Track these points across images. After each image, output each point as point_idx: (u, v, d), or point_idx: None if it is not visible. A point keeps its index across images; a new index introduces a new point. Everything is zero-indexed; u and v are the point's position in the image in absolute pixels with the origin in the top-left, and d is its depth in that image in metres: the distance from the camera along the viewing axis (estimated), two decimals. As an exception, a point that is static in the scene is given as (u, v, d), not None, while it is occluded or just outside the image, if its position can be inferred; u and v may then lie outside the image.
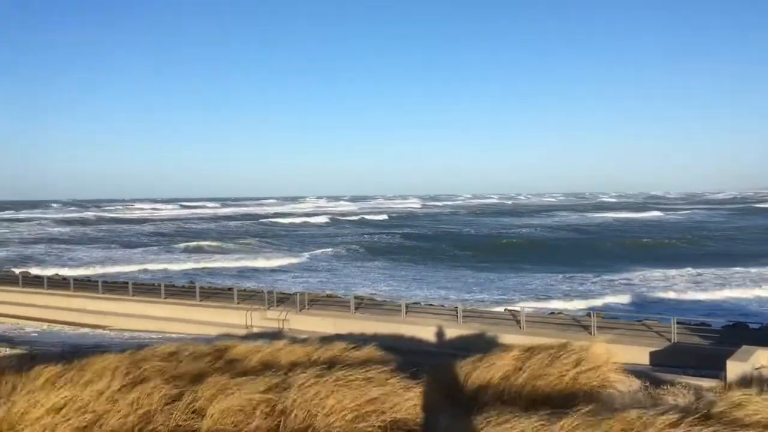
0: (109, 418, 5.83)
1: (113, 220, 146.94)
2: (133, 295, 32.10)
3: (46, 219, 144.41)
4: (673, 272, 48.41)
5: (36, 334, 28.56)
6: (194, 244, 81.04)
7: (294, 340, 15.63)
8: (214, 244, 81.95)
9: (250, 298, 30.64)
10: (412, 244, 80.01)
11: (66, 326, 31.19)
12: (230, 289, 32.45)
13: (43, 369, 8.25)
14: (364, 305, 28.74)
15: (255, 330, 26.74)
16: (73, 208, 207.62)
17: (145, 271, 55.44)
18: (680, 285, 43.25)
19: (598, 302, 36.42)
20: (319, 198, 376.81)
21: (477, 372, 8.99)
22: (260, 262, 60.83)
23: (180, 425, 6.16)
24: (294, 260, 62.76)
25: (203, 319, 28.87)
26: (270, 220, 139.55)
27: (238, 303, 29.34)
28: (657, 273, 48.59)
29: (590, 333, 21.74)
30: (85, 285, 35.96)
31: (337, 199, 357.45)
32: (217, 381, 6.85)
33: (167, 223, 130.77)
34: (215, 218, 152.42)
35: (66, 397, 6.79)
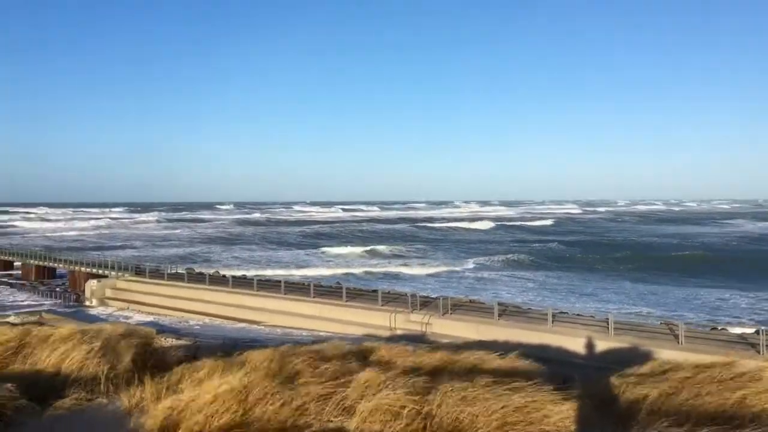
0: (265, 409, 6.13)
1: (278, 222, 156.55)
2: (285, 294, 33.79)
3: (222, 220, 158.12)
4: None
5: (198, 327, 30.87)
6: (369, 248, 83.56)
7: (437, 344, 15.67)
8: (382, 247, 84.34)
9: (393, 300, 31.14)
10: (573, 252, 77.41)
11: (225, 320, 33.46)
12: (375, 291, 33.20)
13: (206, 361, 8.87)
14: (508, 312, 28.19)
15: (398, 332, 27.13)
16: (245, 210, 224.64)
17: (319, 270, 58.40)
18: None
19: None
20: (466, 202, 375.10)
21: (632, 387, 8.47)
22: (429, 268, 61.81)
23: (331, 420, 6.36)
24: (456, 267, 62.99)
25: (348, 318, 29.74)
26: (438, 225, 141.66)
27: (382, 305, 29.92)
28: None
29: (758, 352, 19.83)
30: (242, 282, 38.35)
31: (485, 203, 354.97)
32: (365, 380, 7.00)
33: (335, 226, 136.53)
34: (377, 221, 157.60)
35: (226, 388, 7.24)
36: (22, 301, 43.42)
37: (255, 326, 31.52)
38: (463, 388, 7.03)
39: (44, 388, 8.52)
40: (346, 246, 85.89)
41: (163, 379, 8.60)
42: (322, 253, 78.13)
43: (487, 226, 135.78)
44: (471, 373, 8.69)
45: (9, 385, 7.72)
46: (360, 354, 10.18)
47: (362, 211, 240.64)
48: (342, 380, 7.56)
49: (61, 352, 9.54)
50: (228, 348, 14.20)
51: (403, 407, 6.47)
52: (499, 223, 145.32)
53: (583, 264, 66.40)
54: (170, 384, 8.25)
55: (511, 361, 10.76)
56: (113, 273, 43.93)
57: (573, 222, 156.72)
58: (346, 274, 57.34)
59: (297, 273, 57.34)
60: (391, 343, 11.87)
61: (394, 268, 61.23)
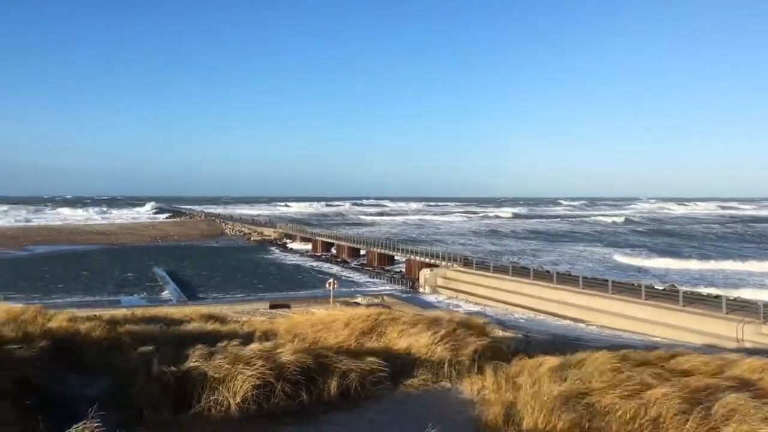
0: (609, 418, 5.73)
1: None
2: (612, 293, 32.19)
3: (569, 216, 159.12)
4: None
5: (523, 321, 31.15)
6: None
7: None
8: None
9: (741, 308, 27.49)
10: None
11: (548, 316, 33.22)
12: (717, 296, 29.72)
13: (546, 358, 8.75)
14: None
15: (746, 345, 23.82)
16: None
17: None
18: None
19: None
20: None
21: None
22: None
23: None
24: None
25: (684, 325, 27.08)
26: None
27: (726, 313, 26.61)
28: None
29: None
30: (566, 279, 37.65)
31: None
32: (734, 401, 6.11)
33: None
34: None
35: (566, 389, 7.00)
36: (366, 284, 49.06)
37: (580, 324, 30.67)
38: None
39: (395, 365, 9.29)
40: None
41: (501, 370, 8.71)
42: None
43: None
44: None
45: (371, 358, 8.57)
46: (717, 365, 9.00)
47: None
48: (698, 394, 6.73)
49: (409, 334, 10.32)
50: (558, 345, 13.92)
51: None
52: None
53: None
54: (509, 376, 8.31)
55: None
56: (443, 263, 46.89)
57: None
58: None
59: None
60: (746, 357, 10.28)
61: None
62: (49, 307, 15.35)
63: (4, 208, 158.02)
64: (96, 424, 4.92)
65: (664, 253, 71.79)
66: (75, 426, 4.85)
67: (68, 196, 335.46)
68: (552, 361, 8.79)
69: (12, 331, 10.83)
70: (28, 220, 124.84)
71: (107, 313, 20.82)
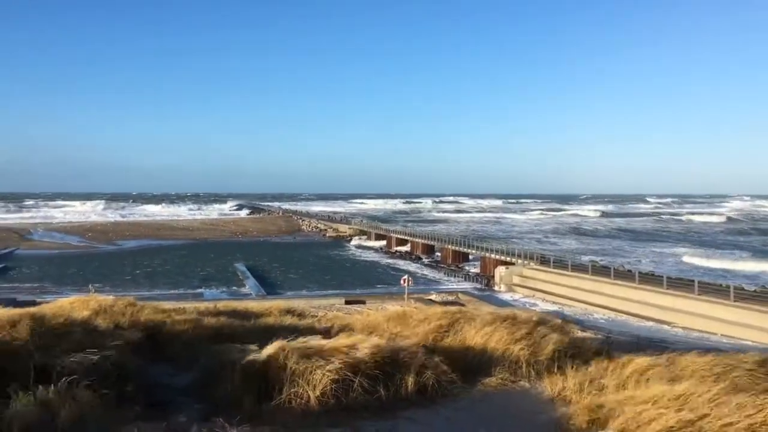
0: (710, 421, 5.44)
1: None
2: (698, 294, 30.81)
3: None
4: None
5: (603, 321, 30.24)
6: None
7: None
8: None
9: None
10: None
11: (630, 317, 32.14)
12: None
13: (633, 359, 8.45)
14: None
15: None
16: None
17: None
18: None
19: None
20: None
21: None
22: None
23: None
24: None
25: (779, 329, 25.63)
26: None
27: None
28: None
29: None
30: (649, 279, 36.33)
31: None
32: None
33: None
34: None
35: (657, 392, 6.72)
36: (440, 281, 48.92)
37: (663, 326, 29.52)
38: None
39: (471, 364, 9.21)
40: None
41: (583, 371, 8.48)
42: None
43: None
44: None
45: (438, 358, 8.52)
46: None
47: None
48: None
49: (485, 332, 10.20)
50: (642, 347, 13.41)
51: None
52: None
53: None
54: (592, 378, 8.07)
55: None
56: (519, 261, 46.17)
57: None
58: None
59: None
60: None
61: None
62: (137, 299, 16.05)
63: (99, 204, 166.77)
64: (182, 415, 5.13)
65: (759, 253, 68.08)
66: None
67: (155, 193, 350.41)
68: (639, 362, 8.48)
69: (104, 322, 11.41)
70: (123, 216, 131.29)
71: (191, 305, 21.64)
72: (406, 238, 71.57)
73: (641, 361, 8.33)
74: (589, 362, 9.06)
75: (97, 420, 5.27)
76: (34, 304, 22.97)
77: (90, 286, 38.01)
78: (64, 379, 5.82)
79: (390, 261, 61.86)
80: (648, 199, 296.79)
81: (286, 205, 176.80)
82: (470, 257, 57.83)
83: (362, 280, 48.92)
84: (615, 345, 14.22)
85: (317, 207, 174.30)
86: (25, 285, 43.99)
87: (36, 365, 6.45)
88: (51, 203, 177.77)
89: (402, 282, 34.36)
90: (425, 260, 61.99)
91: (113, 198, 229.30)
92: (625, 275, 38.23)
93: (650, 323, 30.29)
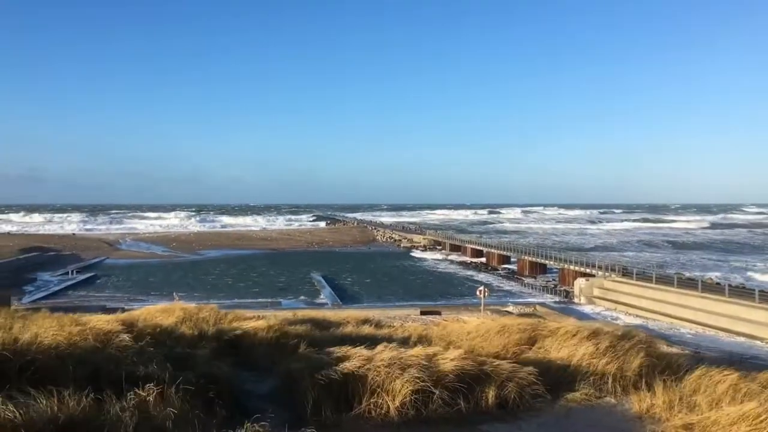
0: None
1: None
2: (795, 309, 29.01)
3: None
4: None
5: (690, 336, 28.92)
6: None
7: None
8: None
9: None
10: None
11: (719, 332, 30.58)
12: None
13: (725, 376, 8.03)
14: None
15: None
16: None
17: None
18: None
19: None
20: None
21: None
22: None
23: None
24: None
25: None
26: None
27: None
28: None
29: None
30: (740, 292, 34.49)
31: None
32: None
33: None
34: None
35: (753, 412, 6.36)
36: (517, 292, 48.03)
37: (757, 342, 27.91)
38: None
39: (554, 378, 8.96)
40: None
41: (672, 387, 8.12)
42: None
43: None
44: None
45: (529, 368, 8.34)
46: None
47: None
48: None
49: (567, 345, 9.94)
50: (734, 363, 12.73)
51: None
52: None
53: None
54: (683, 394, 7.72)
55: None
56: (600, 273, 44.80)
57: None
58: None
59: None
60: None
61: None
62: (219, 307, 16.56)
63: (183, 216, 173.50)
64: (265, 422, 5.23)
65: None
66: (247, 423, 5.20)
67: (233, 204, 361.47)
68: (732, 378, 8.05)
69: (189, 329, 11.83)
70: (207, 227, 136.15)
71: (270, 313, 22.15)
72: (481, 248, 70.81)
73: (735, 378, 7.90)
74: (678, 379, 8.66)
75: (187, 424, 5.44)
76: (122, 310, 24.21)
77: (174, 293, 39.76)
78: (153, 383, 6.05)
79: (465, 272, 61.29)
80: (744, 208, 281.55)
81: (362, 216, 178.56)
82: (548, 268, 56.62)
83: (437, 290, 48.65)
84: (705, 361, 13.57)
85: (392, 218, 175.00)
86: (114, 293, 46.18)
87: (127, 371, 6.74)
88: (140, 213, 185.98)
89: (478, 293, 33.95)
90: (501, 271, 61.11)
91: (199, 209, 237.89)
92: (713, 288, 36.43)
93: (741, 338, 28.72)
